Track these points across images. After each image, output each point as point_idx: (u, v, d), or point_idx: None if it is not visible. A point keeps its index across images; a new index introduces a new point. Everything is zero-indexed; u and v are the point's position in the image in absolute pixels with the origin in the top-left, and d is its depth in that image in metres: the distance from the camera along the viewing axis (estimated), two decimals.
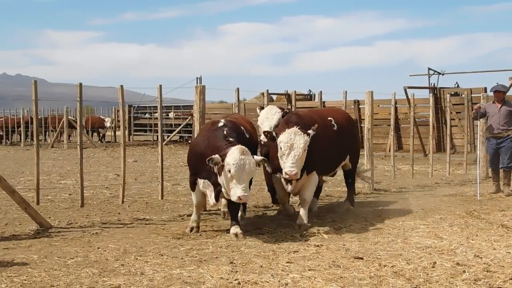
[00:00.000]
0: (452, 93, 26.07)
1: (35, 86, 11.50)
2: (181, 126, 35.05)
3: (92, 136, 40.32)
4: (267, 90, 25.34)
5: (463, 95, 26.09)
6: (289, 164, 9.03)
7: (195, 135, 10.03)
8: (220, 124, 9.48)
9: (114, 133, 40.78)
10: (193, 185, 9.71)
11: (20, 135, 37.76)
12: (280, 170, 9.51)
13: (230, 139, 8.98)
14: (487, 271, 7.09)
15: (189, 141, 28.68)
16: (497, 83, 15.38)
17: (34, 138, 11.96)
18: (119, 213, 11.52)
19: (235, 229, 9.13)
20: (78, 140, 12.34)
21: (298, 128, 9.19)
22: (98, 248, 8.50)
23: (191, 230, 9.54)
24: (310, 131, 9.28)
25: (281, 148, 9.18)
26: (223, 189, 8.87)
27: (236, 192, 8.33)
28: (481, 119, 14.69)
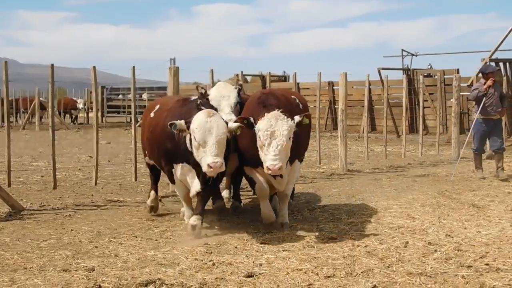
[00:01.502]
0: (425, 74, 26.25)
1: (5, 67, 11.44)
2: None
3: (64, 118, 40.05)
4: (242, 72, 25.37)
5: (436, 77, 26.22)
6: (271, 156, 7.26)
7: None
8: (192, 98, 8.68)
9: (87, 114, 40.51)
10: (171, 176, 8.48)
11: None
12: (258, 162, 7.87)
13: (201, 106, 7.90)
14: (458, 250, 7.19)
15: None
16: (483, 61, 15.19)
17: (5, 120, 11.90)
18: (92, 195, 11.48)
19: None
20: (50, 122, 12.27)
21: (280, 112, 7.55)
22: (72, 230, 8.48)
23: (193, 229, 7.90)
24: (297, 117, 7.68)
25: (260, 137, 7.43)
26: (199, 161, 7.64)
27: (206, 159, 7.26)
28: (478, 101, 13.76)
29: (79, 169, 15.23)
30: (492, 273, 6.31)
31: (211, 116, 7.38)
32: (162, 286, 5.89)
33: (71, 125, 37.67)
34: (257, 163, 7.89)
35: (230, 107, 8.49)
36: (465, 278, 6.13)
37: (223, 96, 8.57)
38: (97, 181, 12.29)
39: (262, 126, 7.38)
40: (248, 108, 8.40)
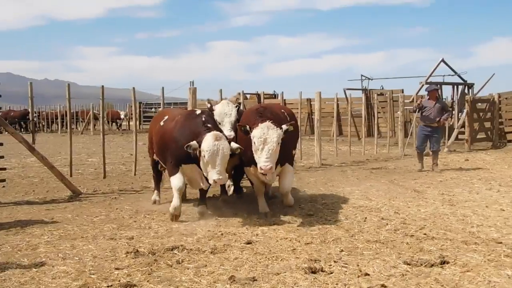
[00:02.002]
0: (379, 93, 26.23)
1: (68, 88, 11.61)
2: None
3: (111, 125, 40.02)
4: (242, 91, 25.30)
5: (386, 95, 26.26)
6: (263, 158, 6.95)
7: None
8: (197, 112, 7.86)
9: (128, 123, 40.44)
10: (176, 169, 7.64)
11: (58, 124, 37.40)
12: (253, 162, 7.51)
13: (208, 125, 7.30)
14: (403, 224, 7.17)
15: None
16: (420, 84, 15.27)
17: (68, 127, 11.91)
18: (132, 183, 11.46)
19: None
20: (101, 128, 12.34)
21: (271, 122, 7.15)
22: (117, 209, 8.47)
23: (173, 219, 7.48)
24: (284, 126, 7.27)
25: (255, 143, 7.07)
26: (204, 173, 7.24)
27: (211, 175, 6.86)
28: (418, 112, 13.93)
29: (123, 164, 15.23)
30: (429, 240, 6.30)
31: (218, 140, 6.89)
32: (184, 250, 5.87)
33: (117, 131, 37.63)
34: (251, 163, 7.52)
35: (231, 124, 7.81)
36: (409, 244, 6.12)
37: (226, 113, 7.88)
38: (136, 172, 12.32)
39: (257, 133, 7.01)
40: (247, 117, 7.89)
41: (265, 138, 6.95)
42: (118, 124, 40.60)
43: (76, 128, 36.82)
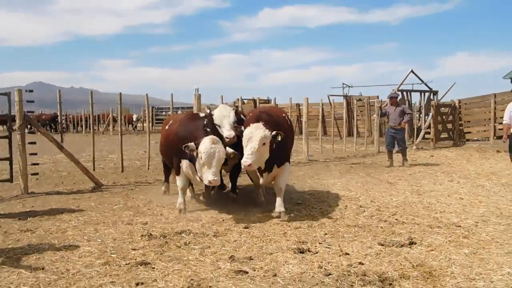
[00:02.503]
0: (358, 99, 26.22)
1: (91, 94, 11.56)
2: None
3: (128, 126, 39.91)
4: (241, 97, 25.25)
5: (364, 101, 26.27)
6: (245, 155, 6.33)
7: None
8: (201, 115, 7.44)
9: (142, 124, 40.34)
10: (178, 169, 7.22)
11: (82, 126, 37.34)
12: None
13: (207, 129, 6.79)
14: (378, 210, 7.20)
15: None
16: (393, 90, 15.26)
17: (91, 128, 11.88)
18: (146, 176, 11.44)
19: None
20: (119, 129, 12.31)
21: (262, 124, 6.52)
22: (133, 198, 8.46)
23: (180, 212, 7.17)
24: (273, 132, 6.48)
25: (241, 141, 6.61)
26: (197, 173, 6.76)
27: (207, 176, 6.33)
28: (384, 117, 14.10)
29: (138, 160, 15.19)
30: (399, 225, 6.33)
31: (215, 143, 6.37)
32: (190, 234, 5.89)
33: (132, 131, 37.53)
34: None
35: (229, 125, 7.22)
36: (382, 228, 6.15)
37: (224, 115, 7.33)
38: (149, 167, 12.26)
39: (245, 132, 6.47)
40: (247, 121, 7.11)
41: (250, 136, 6.35)
42: (134, 126, 40.50)
43: (98, 129, 36.70)
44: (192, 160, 6.75)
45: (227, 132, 7.14)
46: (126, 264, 4.79)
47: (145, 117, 34.79)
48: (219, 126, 7.23)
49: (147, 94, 13.03)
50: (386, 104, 14.28)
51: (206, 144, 6.35)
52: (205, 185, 7.46)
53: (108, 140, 25.49)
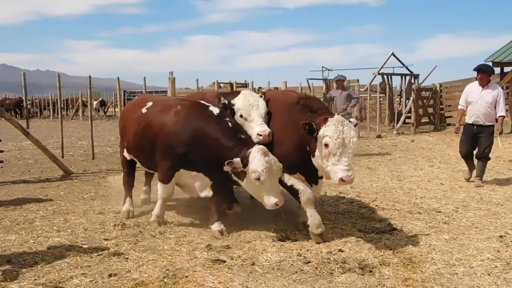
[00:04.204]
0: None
1: (58, 78, 11.38)
2: None
3: (98, 111, 39.40)
4: (217, 80, 25.16)
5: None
6: (343, 166, 4.64)
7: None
8: (216, 111, 5.41)
9: (114, 108, 39.78)
10: (170, 177, 5.55)
11: (49, 111, 36.70)
12: (300, 169, 5.31)
13: (242, 136, 5.25)
14: (358, 197, 7.30)
15: None
16: (338, 74, 13.81)
17: (59, 113, 11.71)
18: (118, 163, 11.24)
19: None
20: (89, 114, 12.18)
21: (341, 116, 5.24)
22: (105, 186, 8.39)
23: (158, 225, 5.74)
24: (353, 120, 5.04)
25: (326, 145, 4.71)
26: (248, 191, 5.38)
27: (270, 200, 4.90)
28: (330, 101, 12.45)
29: (109, 146, 15.03)
30: (380, 211, 6.43)
31: (267, 155, 4.92)
32: (165, 222, 5.88)
33: (104, 117, 37.04)
34: (298, 169, 5.34)
35: (261, 117, 5.50)
36: (363, 214, 6.24)
37: (252, 105, 5.56)
38: None
39: (331, 133, 4.68)
40: (286, 111, 5.43)
41: (343, 138, 4.70)
42: (105, 111, 39.93)
43: (67, 114, 36.11)
44: (209, 171, 5.34)
45: (260, 127, 5.44)
46: (98, 255, 4.75)
47: (116, 101, 34.49)
48: (244, 119, 5.57)
49: (118, 78, 12.89)
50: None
51: (259, 160, 4.87)
52: (214, 199, 5.64)
53: (77, 126, 25.13)
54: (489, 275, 4.19)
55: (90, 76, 11.92)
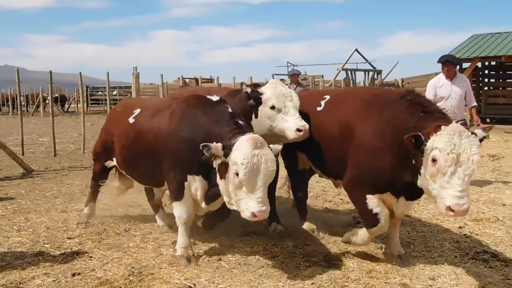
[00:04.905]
0: (302, 78, 26.56)
1: (17, 73, 11.11)
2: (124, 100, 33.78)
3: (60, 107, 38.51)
4: (182, 75, 24.97)
5: (309, 80, 26.66)
6: (455, 192, 3.49)
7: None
8: (216, 98, 4.43)
9: (76, 104, 38.96)
10: (181, 190, 4.39)
11: (9, 107, 35.63)
12: (391, 188, 4.09)
13: (239, 121, 4.18)
14: (323, 191, 7.39)
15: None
16: (293, 69, 13.59)
17: (19, 109, 11.41)
18: (81, 160, 11.10)
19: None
20: (50, 110, 11.92)
21: (461, 124, 3.69)
22: (67, 184, 8.23)
23: (188, 261, 4.37)
24: (479, 132, 3.71)
25: (434, 160, 3.57)
26: (224, 197, 4.14)
27: (248, 206, 3.75)
28: None
29: (72, 143, 14.71)
30: (344, 204, 6.53)
31: (258, 147, 3.74)
32: (130, 220, 5.82)
33: (65, 113, 36.20)
34: (389, 188, 4.12)
35: (297, 110, 4.65)
36: (328, 208, 6.33)
37: (285, 96, 4.66)
38: (85, 151, 11.96)
39: (443, 145, 3.50)
40: (383, 109, 4.14)
41: (458, 153, 3.49)
42: (65, 107, 39.01)
43: (27, 110, 35.17)
44: (208, 173, 4.22)
45: (298, 121, 4.55)
46: (61, 254, 4.65)
47: (79, 97, 33.69)
48: (277, 110, 4.66)
49: (80, 73, 12.66)
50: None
51: (245, 148, 3.75)
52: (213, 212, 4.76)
53: (38, 122, 24.50)
54: (449, 265, 4.32)
55: (51, 71, 11.63)
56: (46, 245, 4.91)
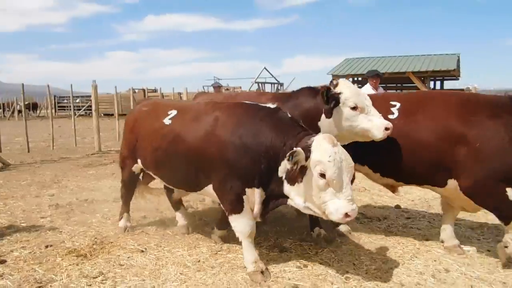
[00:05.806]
0: (226, 89, 26.49)
1: None
2: (85, 107, 31.60)
3: (33, 112, 35.57)
4: (132, 87, 23.99)
5: (230, 90, 26.63)
6: None
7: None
8: (273, 106, 3.27)
9: (46, 110, 36.15)
10: (240, 202, 3.15)
11: None
12: None
13: (301, 125, 3.14)
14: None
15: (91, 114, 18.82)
16: (215, 81, 12.19)
17: None
18: (51, 155, 10.36)
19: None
20: (23, 115, 11.06)
21: None
22: (40, 174, 7.65)
23: (262, 275, 3.14)
24: None
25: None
26: (298, 202, 2.95)
27: (339, 207, 2.72)
28: None
29: (43, 141, 13.65)
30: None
31: (336, 144, 2.81)
32: (93, 201, 5.55)
33: (37, 117, 33.47)
34: None
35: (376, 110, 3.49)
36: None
37: (361, 94, 3.54)
38: (54, 147, 11.22)
39: None
40: (500, 114, 3.23)
41: None
42: (37, 112, 36.08)
43: (4, 116, 32.14)
44: (267, 184, 3.09)
45: (379, 120, 3.42)
46: (35, 231, 4.34)
47: (48, 104, 31.30)
48: (360, 110, 3.45)
49: (48, 85, 11.90)
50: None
51: (326, 146, 2.79)
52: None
53: (14, 125, 22.43)
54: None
55: (23, 84, 10.77)
56: (22, 224, 4.57)
